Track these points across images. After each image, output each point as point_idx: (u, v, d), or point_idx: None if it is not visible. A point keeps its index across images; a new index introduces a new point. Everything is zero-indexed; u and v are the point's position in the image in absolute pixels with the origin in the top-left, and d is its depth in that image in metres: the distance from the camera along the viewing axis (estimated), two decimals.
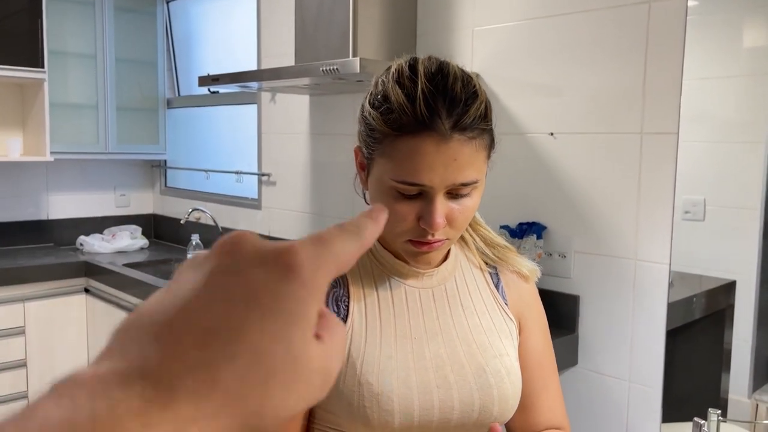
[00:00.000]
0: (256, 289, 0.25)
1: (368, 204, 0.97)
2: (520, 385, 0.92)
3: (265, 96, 3.02)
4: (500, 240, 1.01)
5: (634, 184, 1.75)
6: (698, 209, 1.72)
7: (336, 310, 0.88)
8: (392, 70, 0.84)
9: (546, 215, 1.95)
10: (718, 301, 1.80)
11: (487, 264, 0.99)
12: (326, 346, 0.27)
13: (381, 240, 0.93)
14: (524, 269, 0.99)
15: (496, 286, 0.97)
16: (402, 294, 0.91)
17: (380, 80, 0.85)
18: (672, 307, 1.72)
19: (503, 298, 0.97)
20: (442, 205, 0.81)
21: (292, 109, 2.88)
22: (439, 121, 0.78)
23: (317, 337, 0.27)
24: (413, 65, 0.82)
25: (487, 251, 0.99)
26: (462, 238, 1.00)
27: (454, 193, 0.82)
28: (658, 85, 1.70)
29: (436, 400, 0.85)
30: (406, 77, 0.81)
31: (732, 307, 1.72)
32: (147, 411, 0.23)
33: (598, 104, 1.82)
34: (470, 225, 1.00)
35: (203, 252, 0.28)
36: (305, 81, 2.19)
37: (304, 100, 2.80)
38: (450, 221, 0.82)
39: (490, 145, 0.85)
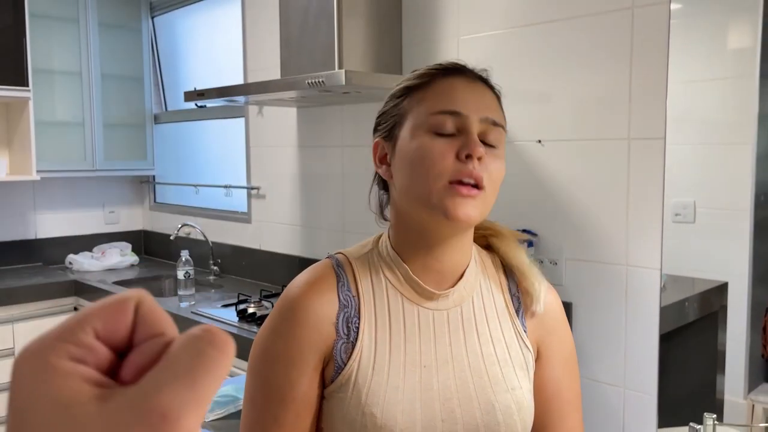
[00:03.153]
0: None
1: (386, 219, 0.94)
2: (531, 420, 0.88)
3: (253, 109, 3.01)
4: (527, 259, 0.96)
5: (623, 189, 1.75)
6: (688, 211, 1.72)
7: (346, 332, 0.84)
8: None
9: (536, 223, 1.95)
10: (711, 302, 1.80)
11: (510, 286, 0.94)
12: None
13: (399, 251, 0.89)
14: (534, 288, 0.92)
15: (517, 311, 0.92)
16: (415, 317, 0.87)
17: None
18: (665, 311, 1.72)
19: (522, 325, 0.92)
20: (477, 137, 0.84)
21: (280, 121, 2.87)
22: (466, 69, 0.90)
23: None
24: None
25: (512, 262, 0.95)
26: (490, 250, 0.96)
27: (484, 141, 0.85)
28: (644, 91, 1.70)
29: None
30: (425, 67, 0.91)
31: (725, 308, 1.71)
32: None
33: (584, 111, 1.82)
34: (500, 241, 0.97)
35: None
36: (292, 94, 2.18)
37: (292, 112, 2.79)
38: (486, 164, 0.83)
39: (504, 125, 0.91)
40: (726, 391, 1.72)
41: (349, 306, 0.86)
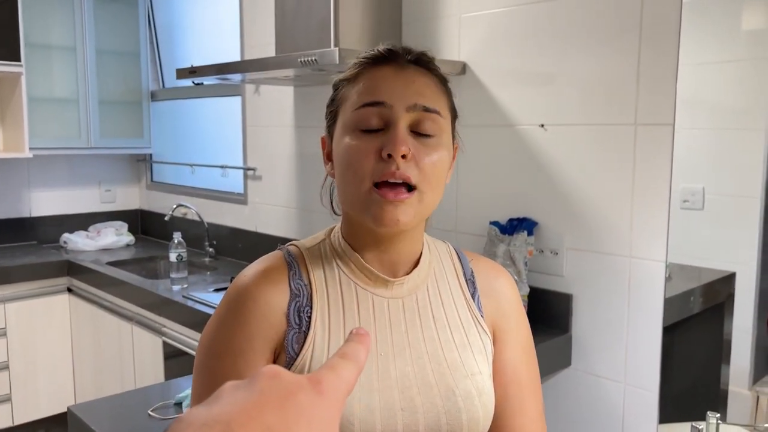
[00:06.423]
0: (300, 404, 0.33)
1: (337, 214, 0.91)
2: (492, 405, 0.85)
3: (250, 88, 2.93)
4: None
5: (629, 177, 1.68)
6: (697, 198, 1.67)
7: (298, 322, 0.81)
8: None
9: (537, 210, 1.88)
10: (718, 293, 1.75)
11: (464, 271, 0.92)
12: None
13: (350, 242, 0.86)
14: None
15: (473, 295, 0.90)
16: (369, 305, 0.84)
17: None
18: (670, 302, 1.67)
19: (479, 309, 0.90)
20: (404, 131, 0.78)
21: (277, 101, 2.79)
22: (398, 55, 0.82)
23: None
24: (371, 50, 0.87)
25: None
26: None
27: (417, 131, 0.79)
28: (653, 74, 1.61)
29: (400, 423, 0.79)
30: (366, 51, 0.86)
31: (732, 297, 1.67)
32: None
33: (590, 94, 1.74)
34: None
35: (244, 380, 0.35)
36: (287, 72, 2.10)
37: (288, 91, 2.71)
38: (416, 160, 0.77)
39: (453, 108, 0.85)
40: (731, 383, 1.68)
41: (301, 295, 0.82)
